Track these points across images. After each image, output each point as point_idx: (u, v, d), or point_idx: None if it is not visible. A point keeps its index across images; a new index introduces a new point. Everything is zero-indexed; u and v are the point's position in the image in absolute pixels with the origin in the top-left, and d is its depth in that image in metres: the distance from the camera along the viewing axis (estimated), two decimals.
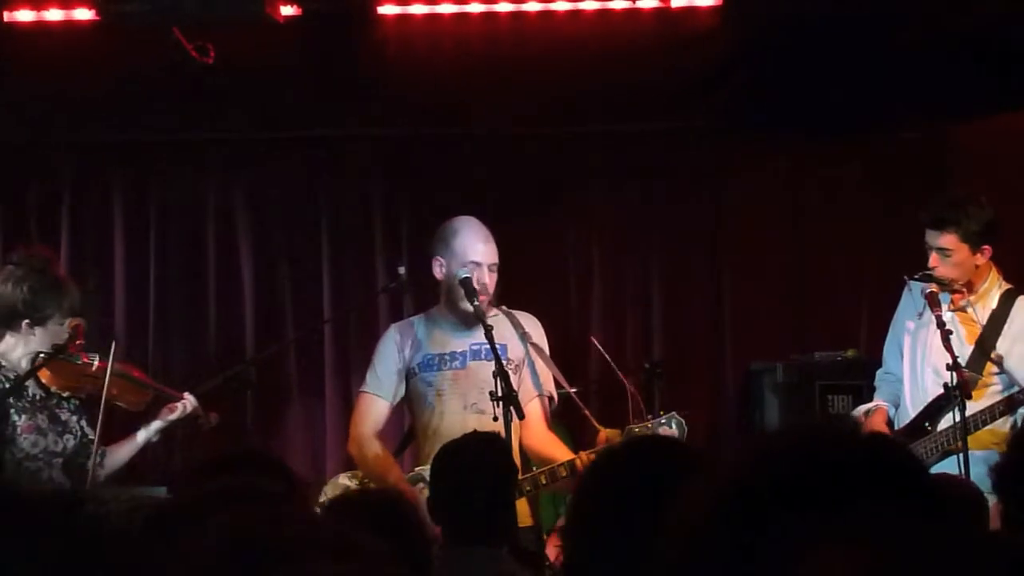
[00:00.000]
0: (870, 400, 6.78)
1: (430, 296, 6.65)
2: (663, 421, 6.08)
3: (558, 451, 6.29)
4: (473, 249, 6.26)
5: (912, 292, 6.64)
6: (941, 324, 6.27)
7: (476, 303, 6.11)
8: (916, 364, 6.58)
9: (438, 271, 6.34)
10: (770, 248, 8.62)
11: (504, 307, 6.49)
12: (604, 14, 8.17)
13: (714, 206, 8.62)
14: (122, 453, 6.40)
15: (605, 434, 6.10)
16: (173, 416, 6.44)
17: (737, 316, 8.57)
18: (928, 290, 6.43)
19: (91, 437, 6.43)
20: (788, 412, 8.11)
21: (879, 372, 6.83)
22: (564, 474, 6.02)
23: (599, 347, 6.79)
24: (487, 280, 6.24)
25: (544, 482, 6.08)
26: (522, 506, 5.98)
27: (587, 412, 6.32)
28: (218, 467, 3.81)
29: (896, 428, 6.54)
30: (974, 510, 4.19)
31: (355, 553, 1.74)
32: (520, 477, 6.00)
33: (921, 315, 6.57)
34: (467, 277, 6.16)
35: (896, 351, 6.73)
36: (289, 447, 8.17)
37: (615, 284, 8.61)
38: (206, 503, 2.15)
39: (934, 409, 6.42)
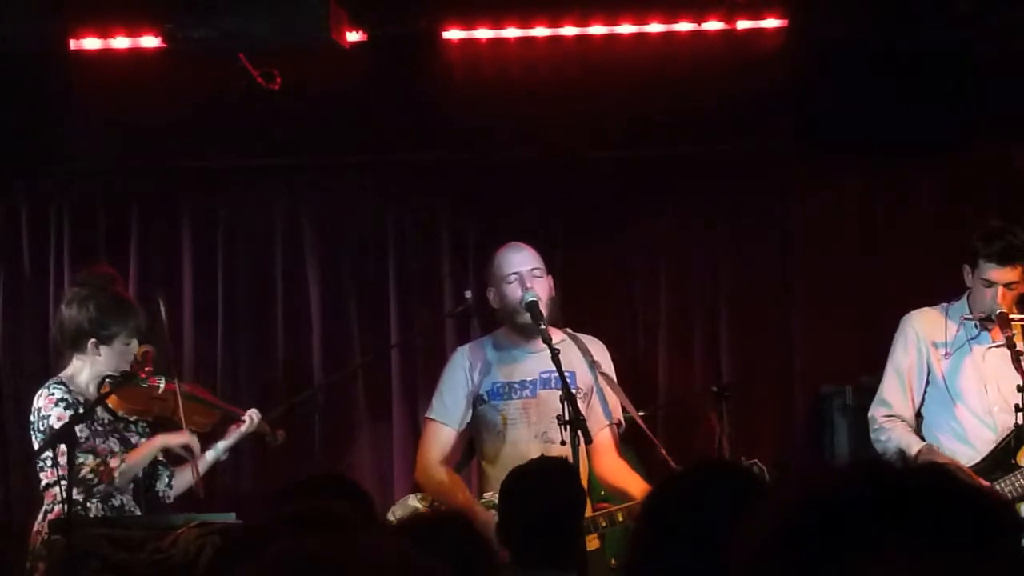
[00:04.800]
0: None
1: (497, 321, 6.66)
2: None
3: (632, 481, 6.24)
4: (508, 262, 6.30)
5: (965, 327, 6.59)
6: (1012, 345, 6.21)
7: (543, 327, 6.08)
8: (974, 392, 6.51)
9: (493, 300, 6.36)
10: (840, 270, 8.54)
11: (570, 330, 6.45)
12: (669, 37, 8.14)
13: (783, 228, 8.56)
14: (190, 475, 6.40)
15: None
16: (240, 431, 6.46)
17: (806, 339, 8.50)
18: (1000, 310, 6.36)
19: (163, 459, 6.47)
20: (858, 435, 8.03)
21: (880, 415, 6.77)
22: None
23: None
24: (532, 284, 6.23)
25: (621, 519, 6.01)
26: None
27: (663, 450, 6.23)
28: (298, 491, 3.81)
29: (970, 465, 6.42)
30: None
31: None
32: (595, 514, 5.97)
33: (972, 343, 6.52)
34: (533, 300, 6.14)
35: (902, 390, 6.68)
36: (356, 471, 8.14)
37: (682, 307, 8.56)
38: (273, 529, 2.13)
39: (1015, 441, 6.34)
